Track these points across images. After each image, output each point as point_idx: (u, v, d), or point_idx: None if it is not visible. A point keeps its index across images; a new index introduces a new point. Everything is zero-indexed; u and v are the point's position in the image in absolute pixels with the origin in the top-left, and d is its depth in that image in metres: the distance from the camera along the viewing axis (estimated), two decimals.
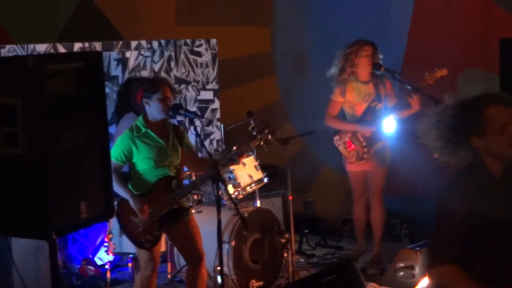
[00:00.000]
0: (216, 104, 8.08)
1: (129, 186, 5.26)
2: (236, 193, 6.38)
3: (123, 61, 7.43)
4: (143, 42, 7.60)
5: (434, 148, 3.28)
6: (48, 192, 3.59)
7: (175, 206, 5.27)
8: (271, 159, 7.24)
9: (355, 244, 7.25)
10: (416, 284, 5.82)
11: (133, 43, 7.53)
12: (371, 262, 6.86)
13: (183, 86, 7.87)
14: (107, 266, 6.38)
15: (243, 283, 6.11)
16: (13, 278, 5.79)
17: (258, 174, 6.58)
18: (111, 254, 6.27)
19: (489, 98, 3.18)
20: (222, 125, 7.95)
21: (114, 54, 7.37)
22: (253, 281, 6.16)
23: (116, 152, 5.20)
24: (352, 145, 6.64)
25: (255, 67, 8.74)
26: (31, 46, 6.85)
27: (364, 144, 6.62)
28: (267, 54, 8.82)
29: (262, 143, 5.65)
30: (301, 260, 6.92)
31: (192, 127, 5.24)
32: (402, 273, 6.21)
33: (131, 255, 6.22)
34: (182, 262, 6.03)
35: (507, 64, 5.59)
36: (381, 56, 6.62)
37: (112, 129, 6.60)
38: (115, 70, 7.39)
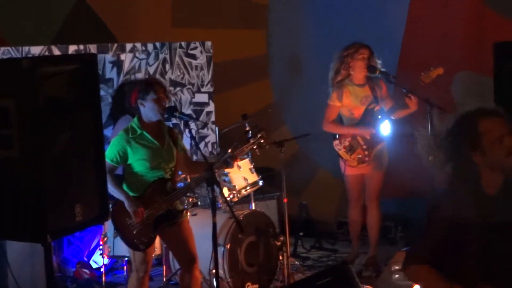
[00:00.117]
0: (211, 107, 8.09)
1: (124, 188, 5.26)
2: (231, 196, 6.38)
3: (118, 64, 7.43)
4: (138, 45, 7.60)
5: (435, 164, 3.31)
6: (43, 194, 3.57)
7: (170, 208, 5.28)
8: (266, 161, 7.24)
9: (350, 246, 7.25)
10: (411, 286, 5.83)
11: (128, 46, 7.53)
12: (367, 264, 6.86)
13: (178, 88, 7.87)
14: (102, 269, 6.36)
15: (238, 286, 6.11)
16: (8, 281, 5.77)
17: (253, 177, 6.58)
18: (106, 257, 6.25)
19: (482, 112, 3.22)
20: (217, 128, 7.95)
21: (109, 57, 7.37)
22: (248, 284, 6.15)
23: (111, 153, 5.20)
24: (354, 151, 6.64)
25: (250, 69, 8.74)
26: (26, 48, 6.85)
27: (364, 147, 6.62)
28: (262, 56, 8.82)
29: (255, 146, 5.67)
30: (296, 262, 6.92)
31: (187, 130, 5.24)
32: (397, 275, 6.21)
33: (126, 258, 6.21)
34: (178, 265, 6.02)
35: (500, 67, 5.61)
36: (379, 61, 6.62)
37: (107, 131, 6.60)
38: (110, 73, 7.39)
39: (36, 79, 3.53)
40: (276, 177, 7.34)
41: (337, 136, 6.71)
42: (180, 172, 5.83)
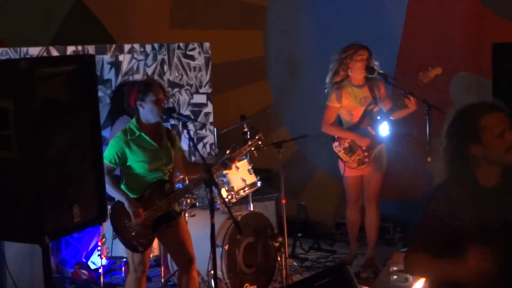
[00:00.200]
0: (209, 108, 8.08)
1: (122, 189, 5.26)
2: (230, 197, 6.38)
3: (116, 65, 7.43)
4: (136, 46, 7.60)
5: (439, 158, 3.32)
6: (41, 195, 3.57)
7: (169, 210, 5.28)
8: (264, 162, 7.25)
9: (348, 248, 7.25)
10: (409, 287, 5.83)
11: (126, 47, 7.53)
12: (365, 265, 6.86)
13: (176, 89, 7.87)
14: (100, 270, 6.36)
15: (237, 287, 6.11)
16: (7, 282, 5.77)
17: (251, 178, 6.58)
18: (104, 258, 6.25)
19: (485, 106, 3.24)
20: (215, 129, 7.95)
21: (107, 58, 7.37)
22: (246, 285, 6.15)
23: (109, 154, 5.20)
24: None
25: (248, 71, 8.74)
26: (24, 49, 6.85)
27: (364, 148, 6.62)
28: (260, 58, 8.82)
29: (252, 148, 5.67)
30: (295, 263, 6.93)
31: (185, 131, 5.24)
32: (395, 276, 6.21)
33: (124, 259, 6.21)
34: (176, 266, 6.02)
35: (499, 68, 5.61)
36: (376, 63, 6.62)
37: (105, 132, 6.60)
38: (108, 74, 7.39)
39: (34, 80, 3.53)
40: (274, 178, 7.35)
41: (336, 138, 6.71)
42: (177, 174, 5.83)
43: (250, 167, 6.63)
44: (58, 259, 6.96)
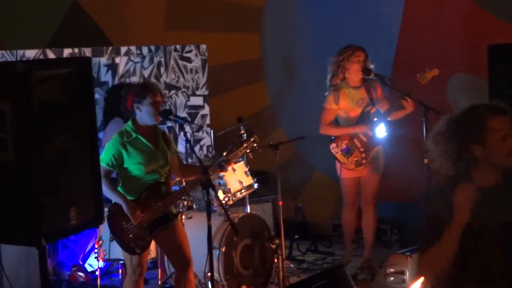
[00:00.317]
0: (206, 110, 8.08)
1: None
2: (226, 199, 6.38)
3: (112, 67, 7.43)
4: (133, 48, 7.60)
5: (436, 156, 3.32)
6: (37, 198, 3.57)
7: (166, 212, 5.28)
8: (261, 164, 7.24)
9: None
10: None
11: (123, 49, 7.53)
12: (362, 267, 6.86)
13: (173, 92, 7.86)
14: (97, 273, 6.35)
15: None
16: (3, 285, 5.76)
17: (248, 180, 6.58)
18: (101, 261, 6.25)
19: (493, 108, 3.25)
20: (212, 131, 7.95)
21: (103, 60, 7.37)
22: (243, 287, 6.15)
23: (106, 157, 5.20)
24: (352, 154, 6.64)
25: (245, 73, 8.74)
26: (21, 52, 6.85)
27: (361, 149, 6.62)
28: (257, 59, 8.82)
29: (248, 150, 5.67)
30: (292, 265, 6.92)
31: (182, 133, 5.25)
32: (392, 278, 6.21)
33: (121, 262, 6.20)
34: (173, 268, 6.02)
35: (495, 70, 5.62)
36: (372, 66, 6.63)
37: (101, 135, 6.60)
38: (105, 76, 7.38)
39: (31, 83, 3.53)
40: (271, 180, 7.34)
41: (333, 139, 6.71)
42: (173, 176, 5.83)
43: (247, 169, 6.63)
44: (54, 262, 6.95)
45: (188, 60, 7.98)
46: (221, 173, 6.19)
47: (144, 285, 5.56)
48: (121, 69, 7.48)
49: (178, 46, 7.91)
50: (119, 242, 5.27)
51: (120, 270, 6.43)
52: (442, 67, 6.50)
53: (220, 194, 6.33)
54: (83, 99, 3.87)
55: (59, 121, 3.71)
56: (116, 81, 7.40)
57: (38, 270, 3.82)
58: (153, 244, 5.70)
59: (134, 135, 5.25)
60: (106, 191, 5.11)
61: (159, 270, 6.47)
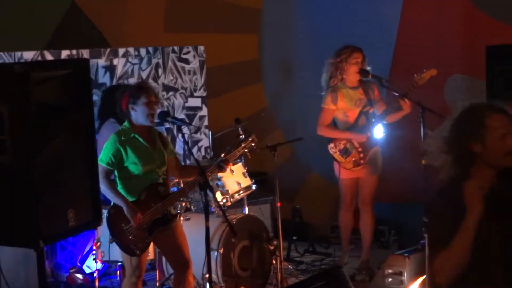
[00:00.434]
0: (204, 111, 8.09)
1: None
2: (224, 200, 6.38)
3: (110, 69, 7.43)
4: (131, 49, 7.60)
5: (435, 155, 3.33)
6: (35, 200, 3.57)
7: (165, 213, 5.28)
8: (259, 166, 7.25)
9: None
10: None
11: (121, 51, 7.53)
12: (360, 268, 6.86)
13: (171, 93, 7.87)
14: (95, 274, 6.35)
15: None
16: (1, 287, 5.75)
17: (246, 181, 6.58)
18: (99, 262, 6.24)
19: (493, 106, 3.26)
20: (210, 132, 7.95)
21: (101, 62, 7.37)
22: None
23: (106, 156, 5.20)
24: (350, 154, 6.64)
25: (243, 74, 8.74)
26: (19, 53, 6.85)
27: (360, 149, 6.62)
28: (255, 61, 8.82)
29: (246, 150, 5.68)
30: (290, 267, 6.92)
31: (180, 135, 5.25)
32: (390, 279, 6.22)
33: (119, 263, 6.20)
34: (171, 269, 6.02)
35: (493, 71, 5.63)
36: (369, 68, 6.63)
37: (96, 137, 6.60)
38: (103, 78, 7.38)
39: (29, 84, 3.53)
40: (269, 181, 7.34)
41: (331, 139, 6.71)
42: (172, 178, 5.83)
43: (245, 170, 6.63)
44: (53, 263, 6.94)
45: (186, 61, 7.98)
46: (219, 174, 6.20)
47: (142, 286, 5.56)
48: (119, 71, 7.49)
49: (176, 48, 7.92)
50: (119, 244, 5.27)
51: (118, 272, 6.43)
52: (439, 68, 6.51)
53: (218, 196, 6.33)
54: (81, 100, 3.87)
55: (57, 122, 3.71)
56: (114, 82, 7.40)
57: (36, 272, 3.82)
58: (151, 246, 5.70)
59: (131, 134, 5.26)
60: (107, 192, 5.11)
61: (157, 271, 6.46)
